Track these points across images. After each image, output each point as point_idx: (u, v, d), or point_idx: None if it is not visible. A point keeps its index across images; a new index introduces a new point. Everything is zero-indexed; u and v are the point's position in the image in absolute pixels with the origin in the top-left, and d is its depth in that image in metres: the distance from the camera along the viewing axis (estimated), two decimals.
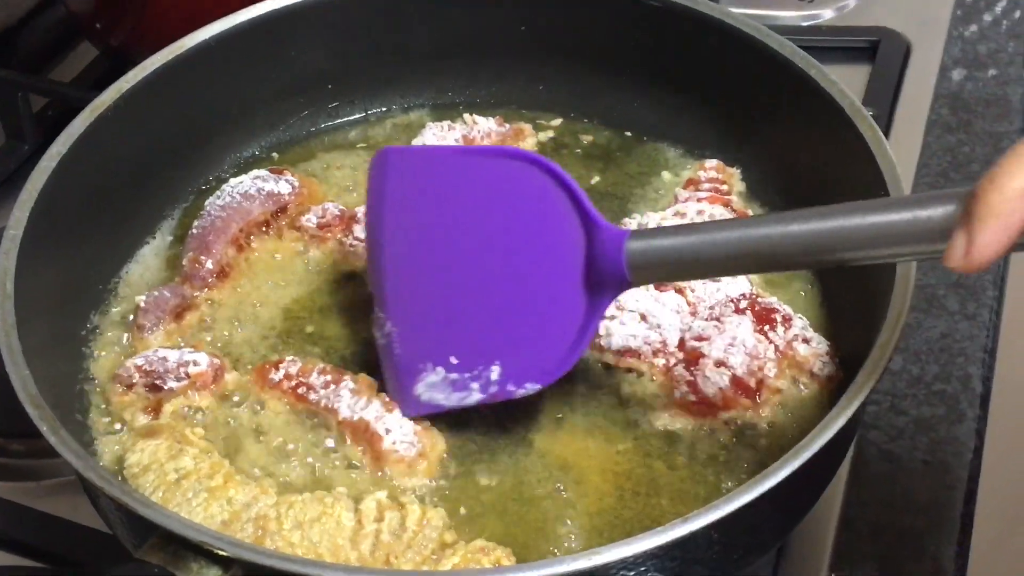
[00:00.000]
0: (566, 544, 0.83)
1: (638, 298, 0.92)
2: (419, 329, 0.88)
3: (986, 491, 0.96)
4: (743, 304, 0.92)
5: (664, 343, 0.91)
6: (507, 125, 1.13)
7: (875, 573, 0.91)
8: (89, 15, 1.31)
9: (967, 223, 0.65)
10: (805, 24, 1.43)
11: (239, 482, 0.83)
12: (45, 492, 0.99)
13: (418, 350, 0.88)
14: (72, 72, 1.43)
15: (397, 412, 0.88)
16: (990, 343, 1.08)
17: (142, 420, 0.90)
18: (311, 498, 0.82)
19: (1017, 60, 1.37)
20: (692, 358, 0.90)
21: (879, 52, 1.36)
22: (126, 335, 0.97)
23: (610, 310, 0.92)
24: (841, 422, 0.74)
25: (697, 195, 1.03)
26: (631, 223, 1.01)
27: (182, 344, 0.95)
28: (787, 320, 0.92)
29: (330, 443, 0.88)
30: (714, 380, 0.88)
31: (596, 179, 1.10)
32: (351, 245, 1.02)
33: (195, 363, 0.91)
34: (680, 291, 0.94)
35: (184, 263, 1.00)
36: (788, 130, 1.03)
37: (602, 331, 0.92)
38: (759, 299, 0.93)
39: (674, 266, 0.79)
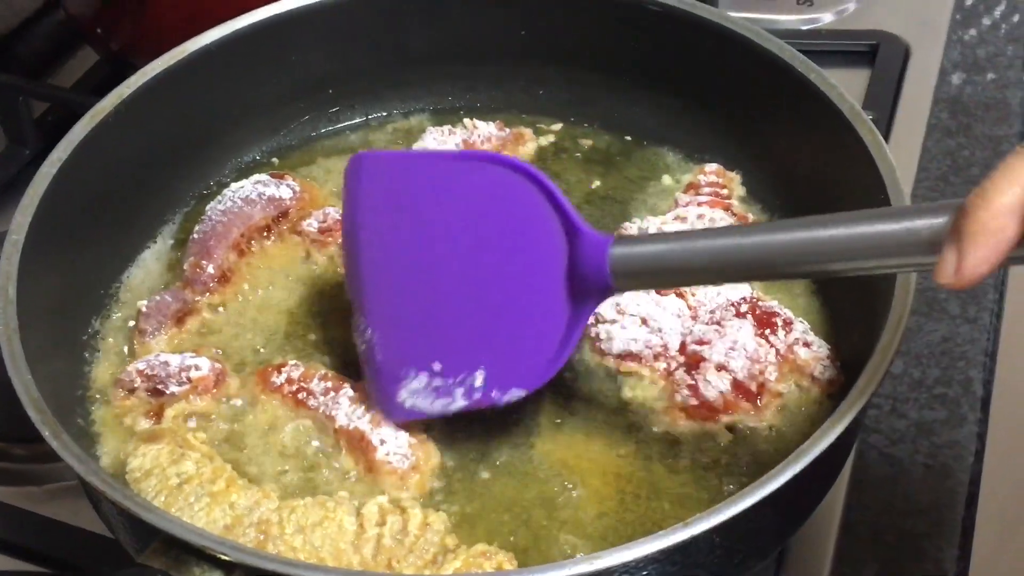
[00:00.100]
0: (567, 548, 0.83)
1: (639, 302, 0.92)
2: (400, 335, 0.87)
3: (987, 494, 0.96)
4: (744, 308, 0.92)
5: (665, 347, 0.91)
6: (507, 129, 1.13)
7: None
8: (89, 20, 1.31)
9: (957, 240, 0.64)
10: (804, 28, 1.43)
11: (241, 487, 0.83)
12: (47, 496, 0.99)
13: (400, 356, 0.86)
14: (73, 77, 1.43)
15: (393, 423, 0.87)
16: (991, 346, 1.08)
17: (144, 424, 0.90)
18: (313, 503, 0.82)
19: (1016, 64, 1.37)
20: (693, 362, 0.90)
21: (878, 56, 1.36)
22: (128, 340, 0.97)
23: (611, 314, 0.92)
24: (842, 426, 0.74)
25: (697, 199, 1.03)
26: (631, 227, 1.01)
27: (184, 348, 0.95)
28: (788, 324, 0.92)
29: (328, 450, 0.88)
30: (715, 384, 0.88)
31: (596, 183, 1.10)
32: None
33: (197, 367, 0.92)
34: (681, 295, 0.94)
35: (185, 268, 1.00)
36: (788, 134, 1.03)
37: (603, 335, 0.92)
38: (760, 303, 0.93)
39: (658, 273, 0.79)
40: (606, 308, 0.92)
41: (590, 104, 1.15)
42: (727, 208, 1.02)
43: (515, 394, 0.84)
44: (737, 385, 0.88)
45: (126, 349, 0.97)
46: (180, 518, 0.79)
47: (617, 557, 0.69)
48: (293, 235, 1.04)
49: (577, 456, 0.88)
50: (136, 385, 0.91)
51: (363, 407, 0.88)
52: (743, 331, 0.90)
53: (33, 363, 0.81)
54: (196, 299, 0.99)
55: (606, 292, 0.81)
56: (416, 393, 0.85)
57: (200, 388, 0.91)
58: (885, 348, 0.78)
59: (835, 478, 0.87)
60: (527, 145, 1.13)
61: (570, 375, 0.91)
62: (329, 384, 0.90)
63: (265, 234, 1.04)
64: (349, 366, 0.95)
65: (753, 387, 0.88)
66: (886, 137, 1.22)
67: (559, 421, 0.90)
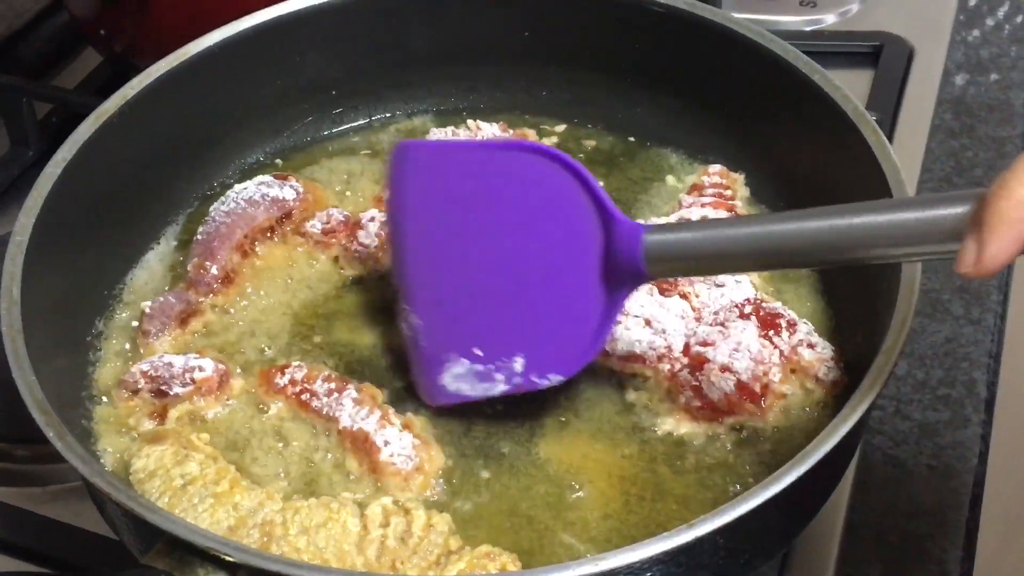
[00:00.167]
0: (572, 549, 0.82)
1: (643, 303, 0.92)
2: (443, 321, 0.89)
3: (991, 496, 0.96)
4: (748, 309, 0.92)
5: (669, 348, 0.91)
6: (510, 131, 1.13)
7: None
8: (92, 21, 1.31)
9: (977, 230, 0.65)
10: (808, 29, 1.43)
11: (245, 487, 0.83)
12: (50, 497, 0.99)
13: (442, 342, 0.89)
14: (76, 78, 1.43)
15: (397, 424, 0.88)
16: (995, 348, 1.08)
17: (148, 426, 0.90)
18: (317, 504, 0.82)
19: (1020, 64, 1.37)
20: (697, 363, 0.90)
21: (882, 57, 1.36)
22: (131, 341, 0.97)
23: None
24: (847, 427, 0.74)
25: (701, 200, 1.03)
26: None
27: (187, 349, 0.95)
28: (792, 325, 0.92)
29: (332, 451, 0.88)
30: (719, 385, 0.88)
31: (600, 184, 1.09)
32: (356, 251, 1.02)
33: (200, 369, 0.92)
34: (685, 296, 0.94)
35: (189, 269, 1.00)
36: (791, 135, 1.03)
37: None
38: (764, 304, 0.93)
39: (690, 260, 0.80)
40: None
41: (593, 105, 1.15)
42: (731, 209, 1.02)
43: (554, 379, 0.86)
44: (741, 386, 0.88)
45: (129, 349, 0.97)
46: (184, 519, 0.79)
47: (622, 558, 0.69)
48: (297, 236, 1.04)
49: (581, 457, 0.88)
50: (140, 386, 0.91)
51: (367, 408, 0.88)
52: (747, 332, 0.90)
53: (37, 364, 0.81)
54: (200, 300, 0.99)
55: (640, 278, 0.82)
56: (459, 377, 0.88)
57: (204, 389, 0.91)
58: (889, 349, 0.78)
59: (839, 479, 0.87)
60: None
61: (574, 376, 0.91)
62: (333, 385, 0.90)
63: (269, 235, 1.04)
64: (353, 367, 0.95)
65: (757, 388, 0.88)
66: (890, 138, 1.22)
67: (563, 421, 0.90)
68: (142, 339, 0.96)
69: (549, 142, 1.14)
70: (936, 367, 1.06)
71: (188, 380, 0.91)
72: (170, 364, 0.92)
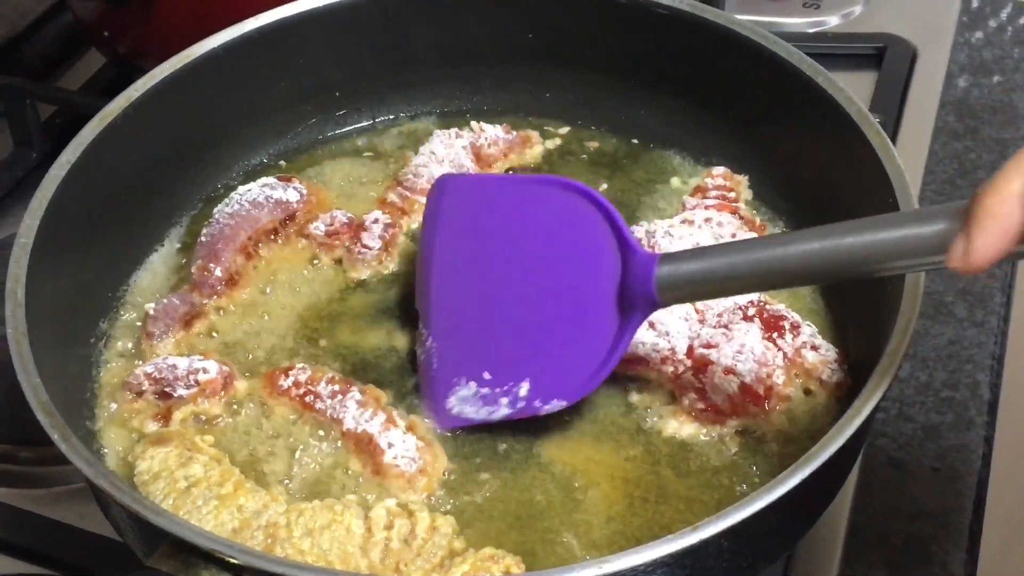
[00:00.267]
0: (575, 552, 0.83)
1: None
2: (458, 345, 0.90)
3: (995, 498, 0.96)
4: (751, 311, 0.92)
5: (672, 350, 0.91)
6: (514, 132, 1.13)
7: None
8: (96, 23, 1.31)
9: (966, 226, 0.66)
10: (811, 31, 1.43)
11: (249, 490, 0.83)
12: (54, 499, 0.99)
13: (455, 365, 0.90)
14: (79, 80, 1.43)
15: (401, 426, 0.88)
16: (998, 350, 1.07)
17: (152, 427, 0.90)
18: (321, 506, 0.82)
19: (1023, 66, 1.37)
20: (700, 365, 0.90)
21: (885, 59, 1.36)
22: (135, 342, 0.97)
23: None
24: (851, 430, 0.74)
25: (704, 202, 1.03)
26: (638, 230, 1.01)
27: (191, 351, 0.96)
28: (795, 327, 0.92)
29: (336, 453, 0.88)
30: (723, 387, 0.88)
31: (603, 186, 1.10)
32: (359, 253, 1.02)
33: (204, 370, 0.92)
34: None
35: (193, 271, 1.00)
36: (795, 137, 1.03)
37: None
38: (767, 306, 0.93)
39: (701, 285, 0.82)
40: None
41: (596, 106, 1.15)
42: (734, 211, 1.02)
43: (556, 405, 0.86)
44: (745, 388, 0.88)
45: (133, 351, 0.97)
46: (188, 521, 0.79)
47: (626, 561, 0.69)
48: (300, 238, 1.04)
49: (585, 460, 0.88)
50: (144, 388, 0.91)
51: (370, 410, 0.88)
52: (751, 334, 0.90)
53: (41, 366, 0.81)
54: (203, 302, 0.99)
55: (653, 306, 0.84)
56: (464, 400, 0.88)
57: (208, 391, 0.91)
58: (893, 352, 0.78)
59: (843, 482, 0.87)
60: (534, 148, 1.13)
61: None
62: (336, 387, 0.90)
63: (272, 237, 1.04)
64: (357, 369, 0.95)
65: (761, 391, 0.88)
66: (893, 140, 1.22)
67: (567, 424, 0.90)
68: (146, 341, 0.96)
69: (552, 144, 1.14)
70: (939, 369, 1.06)
71: (192, 382, 0.91)
72: (174, 366, 0.92)
